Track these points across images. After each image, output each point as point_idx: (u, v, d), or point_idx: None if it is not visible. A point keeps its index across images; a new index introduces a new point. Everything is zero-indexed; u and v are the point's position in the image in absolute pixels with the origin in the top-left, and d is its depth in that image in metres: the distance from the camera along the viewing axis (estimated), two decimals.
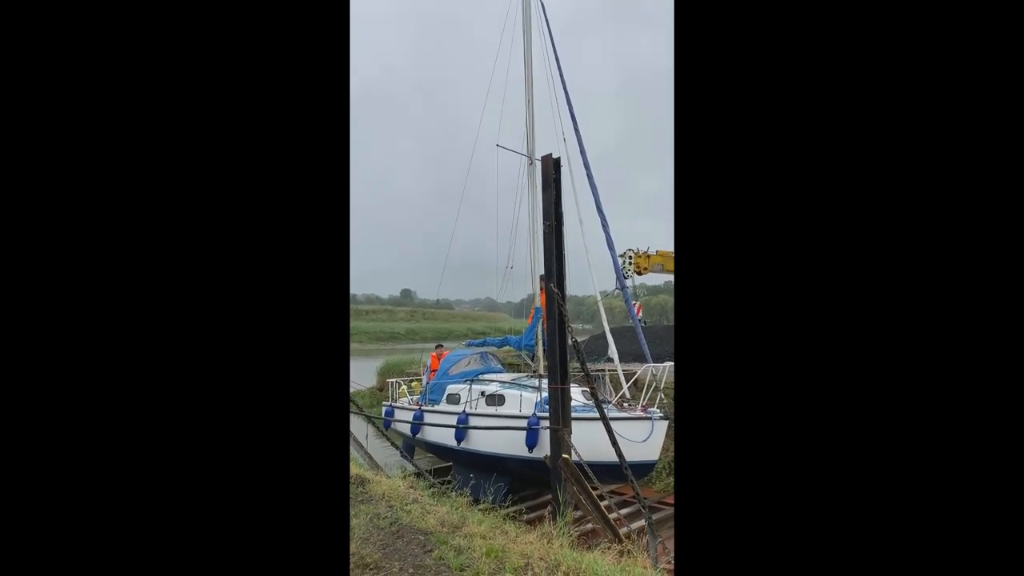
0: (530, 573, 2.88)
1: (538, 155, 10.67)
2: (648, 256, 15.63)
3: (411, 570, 2.94)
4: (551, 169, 7.52)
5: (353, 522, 3.54)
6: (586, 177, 9.49)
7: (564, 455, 6.67)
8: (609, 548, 4.42)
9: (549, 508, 6.32)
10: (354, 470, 4.89)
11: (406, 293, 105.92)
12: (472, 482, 7.43)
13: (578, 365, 6.94)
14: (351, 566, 2.95)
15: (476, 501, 6.89)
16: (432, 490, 5.67)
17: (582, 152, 9.66)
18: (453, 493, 4.48)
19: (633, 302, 16.09)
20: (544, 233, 7.40)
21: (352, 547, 3.14)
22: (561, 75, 10.06)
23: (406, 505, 3.99)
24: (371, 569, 2.94)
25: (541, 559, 3.03)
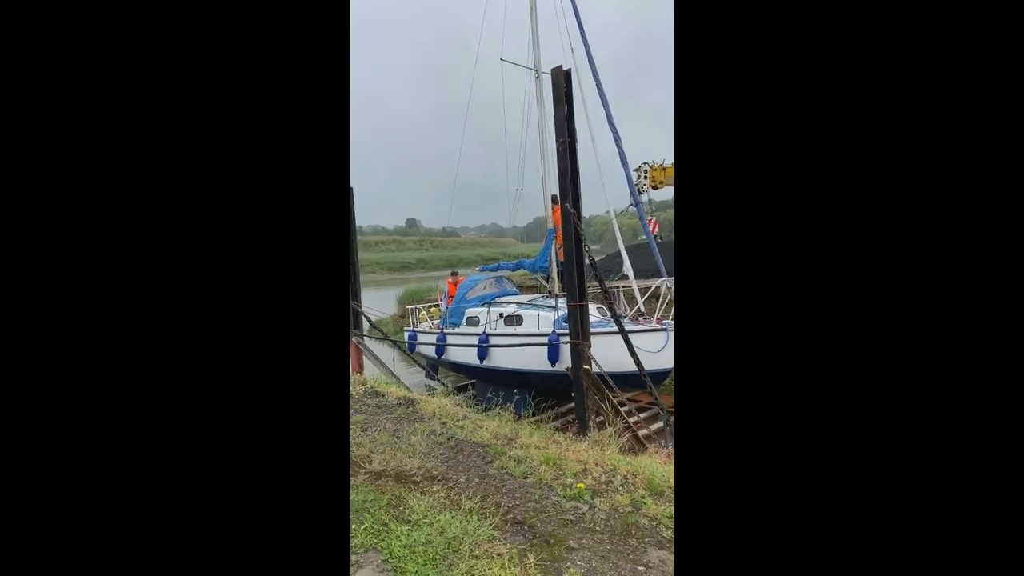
0: (590, 478, 3.18)
1: (545, 68, 10.20)
2: (664, 168, 15.37)
3: (477, 479, 3.24)
4: (562, 82, 7.24)
5: (412, 439, 3.84)
6: (596, 89, 9.12)
7: (585, 367, 7.04)
8: (657, 452, 4.80)
9: (593, 419, 6.75)
10: (399, 392, 5.20)
11: (411, 222, 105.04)
12: (516, 397, 7.92)
13: (595, 283, 7.11)
14: (418, 479, 3.25)
15: (518, 416, 7.41)
16: (476, 406, 6.06)
17: (591, 62, 9.21)
18: (497, 409, 4.80)
19: (648, 218, 16.04)
20: (557, 151, 7.26)
21: (416, 462, 3.44)
22: None
23: (457, 421, 4.29)
24: (439, 480, 3.23)
25: (597, 464, 3.33)
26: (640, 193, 15.31)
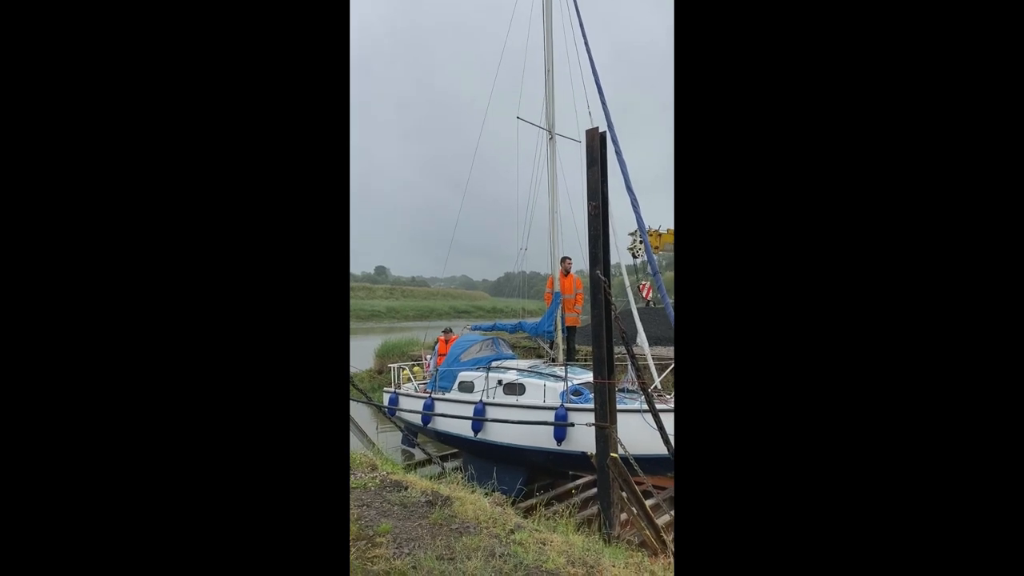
0: None
1: (558, 128, 10.03)
2: (660, 235, 15.35)
3: None
4: (597, 145, 6.96)
5: (468, 564, 2.99)
6: (614, 153, 8.94)
7: (612, 454, 6.31)
8: None
9: (617, 515, 5.94)
10: (424, 484, 4.29)
11: (380, 270, 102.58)
12: (507, 476, 6.99)
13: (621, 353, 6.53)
14: None
15: (514, 502, 6.50)
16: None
17: (609, 126, 9.05)
18: (536, 501, 3.98)
19: (642, 283, 15.82)
20: (589, 215, 6.88)
21: None
22: (586, 40, 9.36)
23: (511, 533, 3.45)
24: None
25: None
26: (635, 257, 15.19)
